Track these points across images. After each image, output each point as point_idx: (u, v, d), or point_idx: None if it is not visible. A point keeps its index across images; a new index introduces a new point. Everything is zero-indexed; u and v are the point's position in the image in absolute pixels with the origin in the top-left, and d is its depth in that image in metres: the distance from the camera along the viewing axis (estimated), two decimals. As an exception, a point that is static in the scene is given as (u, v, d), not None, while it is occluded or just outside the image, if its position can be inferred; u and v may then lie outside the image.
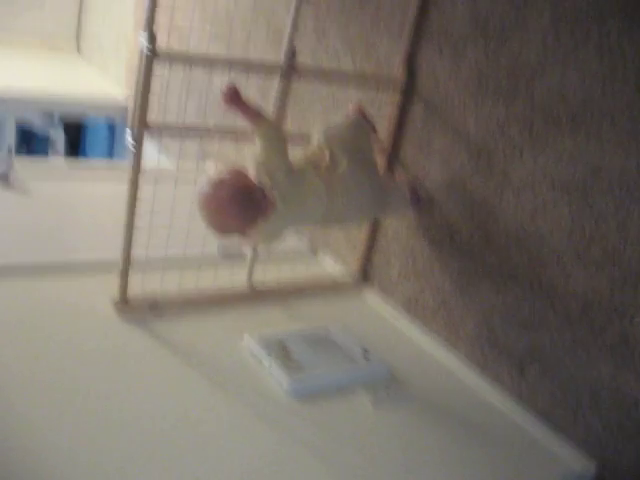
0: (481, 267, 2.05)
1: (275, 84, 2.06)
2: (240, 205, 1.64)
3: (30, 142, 4.53)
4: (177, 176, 2.06)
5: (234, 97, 1.74)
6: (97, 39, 4.86)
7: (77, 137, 4.92)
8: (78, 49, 5.14)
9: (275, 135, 1.79)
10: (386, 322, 2.28)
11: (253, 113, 1.75)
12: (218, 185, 1.65)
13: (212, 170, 1.68)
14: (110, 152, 4.66)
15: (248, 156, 1.78)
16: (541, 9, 1.84)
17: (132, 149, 1.82)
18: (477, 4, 2.02)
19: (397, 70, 2.27)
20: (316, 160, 1.89)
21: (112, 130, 4.63)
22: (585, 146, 1.76)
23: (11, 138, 4.29)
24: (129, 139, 1.83)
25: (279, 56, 2.04)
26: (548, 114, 1.84)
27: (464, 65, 2.07)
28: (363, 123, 2.15)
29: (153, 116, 1.83)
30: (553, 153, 1.83)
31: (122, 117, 4.22)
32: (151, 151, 2.37)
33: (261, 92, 2.61)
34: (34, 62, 4.62)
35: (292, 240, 2.67)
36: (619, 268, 1.70)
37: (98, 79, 4.63)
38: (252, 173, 1.71)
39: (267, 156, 1.74)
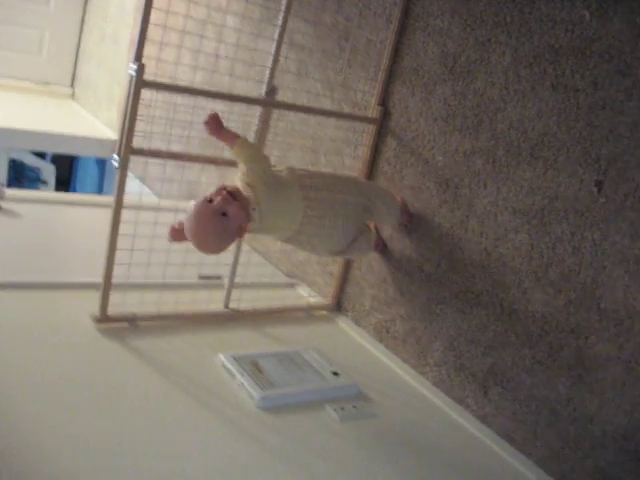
0: (448, 294, 2.14)
1: (256, 120, 2.18)
2: (215, 229, 1.75)
3: (22, 178, 4.65)
4: (159, 204, 2.17)
5: (215, 124, 1.85)
6: (92, 85, 5.03)
7: (68, 174, 5.05)
8: (73, 95, 5.30)
9: (255, 152, 1.90)
10: (357, 347, 2.36)
11: (232, 136, 1.87)
12: (203, 204, 1.75)
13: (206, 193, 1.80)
14: (99, 189, 4.78)
15: (235, 178, 1.89)
16: (503, 50, 1.99)
17: (117, 170, 1.92)
18: (446, 46, 2.16)
19: (372, 110, 2.41)
20: (305, 180, 1.98)
21: (102, 168, 4.75)
22: (543, 176, 1.88)
23: (3, 172, 4.41)
24: (115, 163, 1.93)
25: (261, 92, 2.16)
26: (509, 146, 1.96)
27: (434, 103, 2.20)
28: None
29: (139, 143, 1.95)
30: (514, 183, 1.95)
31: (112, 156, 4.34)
32: (136, 186, 2.49)
33: (242, 129, 2.74)
34: (29, 104, 4.77)
35: (269, 269, 2.76)
36: (575, 290, 1.80)
37: (91, 122, 4.77)
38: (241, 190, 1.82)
39: (249, 172, 1.83)
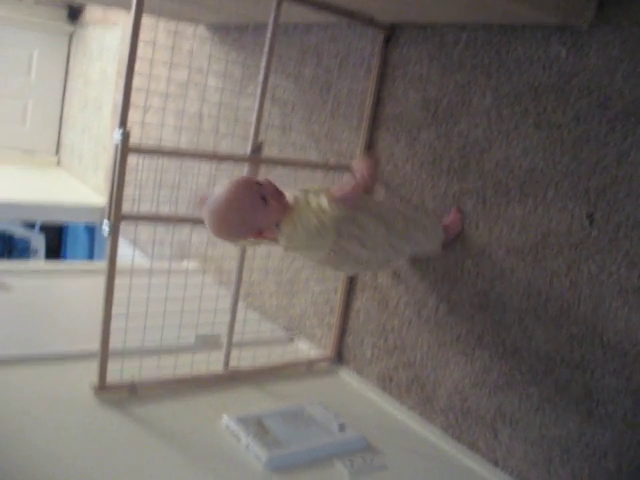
0: (449, 337, 2.12)
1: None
2: (245, 208, 1.62)
3: (11, 249, 4.64)
4: (151, 266, 2.16)
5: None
6: (77, 152, 5.05)
7: (57, 241, 5.04)
8: (58, 162, 5.33)
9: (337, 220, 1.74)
10: (362, 397, 2.33)
11: (357, 197, 1.76)
12: (249, 180, 1.68)
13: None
14: (90, 255, 4.76)
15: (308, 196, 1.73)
16: (483, 91, 2.01)
17: (108, 239, 1.91)
18: (427, 91, 2.19)
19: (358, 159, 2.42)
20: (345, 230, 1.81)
21: (92, 234, 4.75)
22: (534, 213, 1.88)
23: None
24: (105, 229, 1.92)
25: (247, 149, 2.17)
26: (498, 186, 1.97)
27: (419, 148, 2.22)
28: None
29: (128, 207, 1.95)
30: (506, 222, 1.95)
31: (101, 221, 4.34)
32: (127, 249, 2.48)
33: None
34: (15, 175, 4.77)
35: (267, 324, 2.73)
36: (576, 324, 1.78)
37: (78, 188, 4.78)
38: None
39: (322, 223, 1.68)
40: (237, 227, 1.67)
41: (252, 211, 1.63)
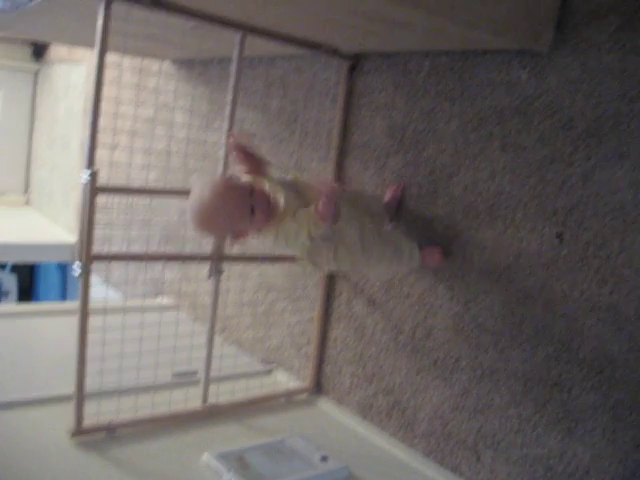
0: (426, 362, 2.12)
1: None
2: (231, 210, 1.61)
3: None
4: (125, 305, 2.14)
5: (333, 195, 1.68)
6: (46, 190, 5.01)
7: (29, 282, 4.98)
8: (27, 201, 5.28)
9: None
10: (342, 427, 2.31)
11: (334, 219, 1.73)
12: (242, 185, 1.64)
13: None
14: (63, 294, 4.71)
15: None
16: (449, 118, 2.03)
17: (79, 280, 1.89)
18: (393, 119, 2.21)
19: (329, 187, 2.43)
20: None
21: (64, 273, 4.70)
22: (504, 234, 1.90)
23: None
24: (76, 271, 1.90)
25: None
26: (467, 209, 1.99)
27: (388, 175, 2.23)
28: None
29: (99, 247, 1.93)
30: (476, 245, 1.97)
31: (73, 260, 4.31)
32: (100, 288, 2.46)
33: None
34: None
35: (244, 358, 2.72)
36: (551, 344, 1.80)
37: (48, 227, 4.74)
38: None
39: (311, 243, 1.72)
40: (219, 230, 1.73)
41: (237, 220, 1.64)
